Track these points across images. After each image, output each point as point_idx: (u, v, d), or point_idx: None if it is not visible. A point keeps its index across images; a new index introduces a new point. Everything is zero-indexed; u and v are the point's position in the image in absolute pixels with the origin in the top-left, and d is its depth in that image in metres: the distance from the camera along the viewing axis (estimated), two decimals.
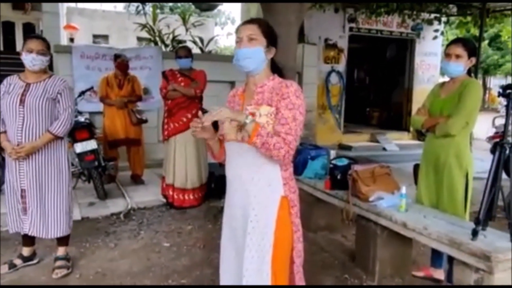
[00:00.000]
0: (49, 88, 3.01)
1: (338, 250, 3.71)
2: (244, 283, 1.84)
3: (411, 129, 10.09)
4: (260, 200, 1.87)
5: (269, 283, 1.82)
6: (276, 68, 1.98)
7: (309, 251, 3.66)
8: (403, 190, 2.98)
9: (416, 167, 3.17)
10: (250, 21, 1.93)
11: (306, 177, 3.90)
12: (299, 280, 2.02)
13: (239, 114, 1.77)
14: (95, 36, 18.33)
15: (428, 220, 2.75)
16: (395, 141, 9.57)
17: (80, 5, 17.74)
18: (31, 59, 2.94)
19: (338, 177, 3.51)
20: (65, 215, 3.14)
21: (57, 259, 3.21)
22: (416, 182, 3.17)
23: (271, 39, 1.92)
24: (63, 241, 3.24)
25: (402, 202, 2.93)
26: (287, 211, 1.90)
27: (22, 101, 2.93)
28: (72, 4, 16.96)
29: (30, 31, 11.61)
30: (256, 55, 1.87)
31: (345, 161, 3.64)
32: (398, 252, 3.19)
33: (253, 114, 1.84)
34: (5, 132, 3.01)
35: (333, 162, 3.74)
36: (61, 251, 3.24)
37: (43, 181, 3.04)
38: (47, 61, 3.02)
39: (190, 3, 12.32)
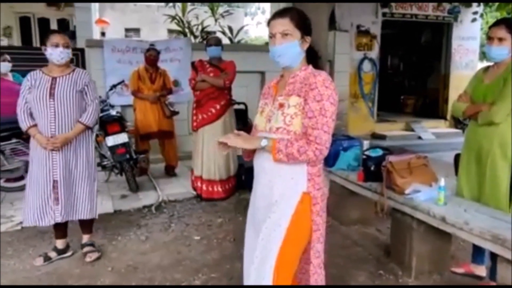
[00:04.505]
0: (78, 81, 3.15)
1: (372, 245, 3.59)
2: (252, 270, 1.82)
3: (448, 117, 9.72)
4: (281, 192, 1.83)
5: (270, 276, 1.76)
6: (311, 52, 1.92)
7: (341, 245, 3.58)
8: (442, 182, 2.81)
9: (457, 157, 3.00)
10: (282, 14, 1.84)
11: (338, 169, 3.78)
12: (315, 281, 1.92)
13: (251, 141, 1.84)
14: (127, 30, 18.57)
15: (469, 215, 2.60)
16: (431, 130, 9.23)
17: None
18: (59, 53, 3.06)
19: (372, 168, 3.37)
20: (92, 199, 3.28)
21: (84, 245, 3.36)
22: (456, 173, 2.99)
23: (305, 29, 1.85)
24: (87, 228, 3.39)
25: (441, 195, 2.78)
26: (307, 208, 1.83)
27: (51, 94, 3.04)
28: None
29: (64, 26, 11.92)
30: (291, 51, 1.83)
31: (379, 152, 3.49)
32: (436, 247, 3.04)
33: (282, 105, 1.81)
34: (35, 125, 3.08)
35: (366, 153, 3.60)
36: (86, 238, 3.40)
37: (73, 170, 3.18)
38: (70, 54, 3.15)
39: None
